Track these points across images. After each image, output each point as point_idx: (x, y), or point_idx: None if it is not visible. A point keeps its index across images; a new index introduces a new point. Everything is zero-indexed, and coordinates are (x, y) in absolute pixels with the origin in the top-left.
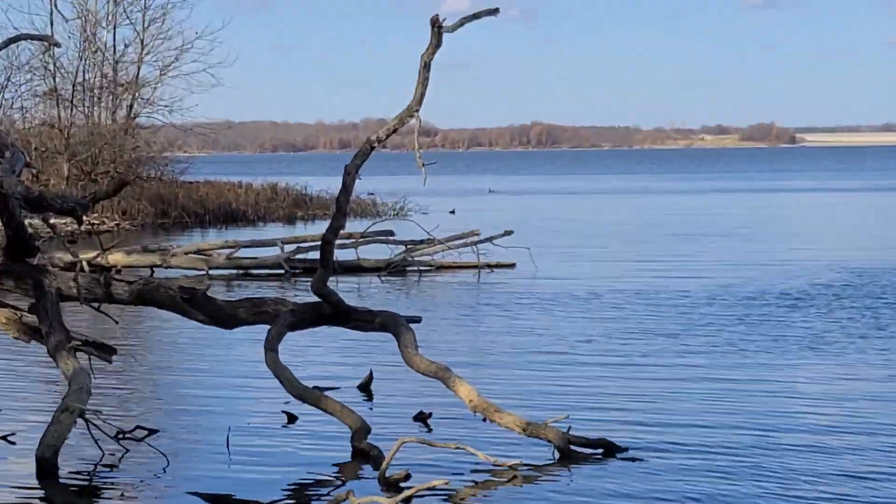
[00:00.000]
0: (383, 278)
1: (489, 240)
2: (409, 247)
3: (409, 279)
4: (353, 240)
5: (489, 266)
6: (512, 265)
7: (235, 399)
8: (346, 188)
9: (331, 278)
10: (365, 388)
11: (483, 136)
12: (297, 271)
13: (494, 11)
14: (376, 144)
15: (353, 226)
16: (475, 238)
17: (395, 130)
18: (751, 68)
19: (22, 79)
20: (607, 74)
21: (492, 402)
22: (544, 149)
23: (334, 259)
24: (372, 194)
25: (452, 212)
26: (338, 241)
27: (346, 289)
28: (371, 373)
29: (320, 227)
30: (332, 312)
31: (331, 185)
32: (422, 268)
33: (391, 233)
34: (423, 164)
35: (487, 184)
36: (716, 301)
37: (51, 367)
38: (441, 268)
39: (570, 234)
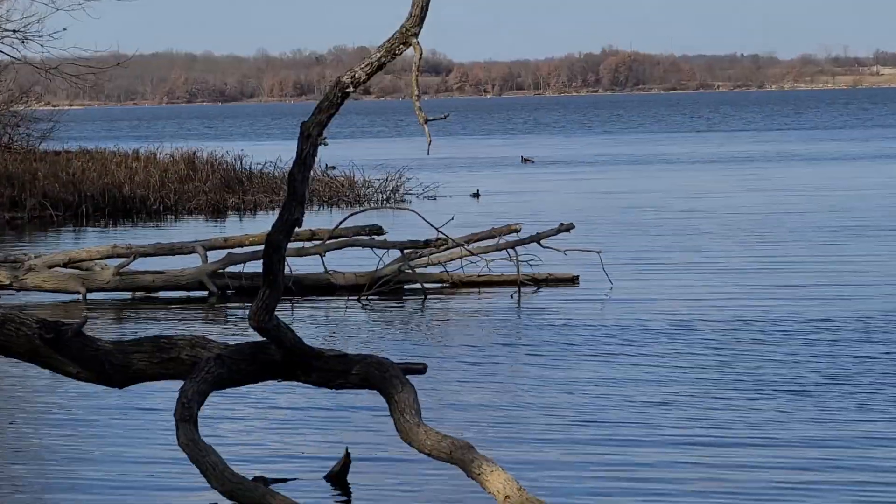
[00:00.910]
0: (366, 301)
1: (535, 239)
2: (406, 252)
3: (407, 303)
4: (319, 242)
5: (535, 281)
6: (572, 280)
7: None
8: (305, 159)
9: (282, 303)
10: (338, 476)
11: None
12: (229, 293)
13: None
14: (351, 89)
15: (318, 220)
16: (513, 237)
17: (381, 66)
18: None
19: None
20: None
21: (540, 500)
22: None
23: (287, 273)
24: (347, 169)
25: (476, 195)
26: (294, 245)
27: (309, 320)
28: (347, 453)
29: (264, 222)
30: (284, 359)
31: (281, 154)
32: (427, 284)
33: (379, 230)
34: (427, 121)
35: (525, 149)
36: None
37: None
38: (459, 284)
39: (664, 229)
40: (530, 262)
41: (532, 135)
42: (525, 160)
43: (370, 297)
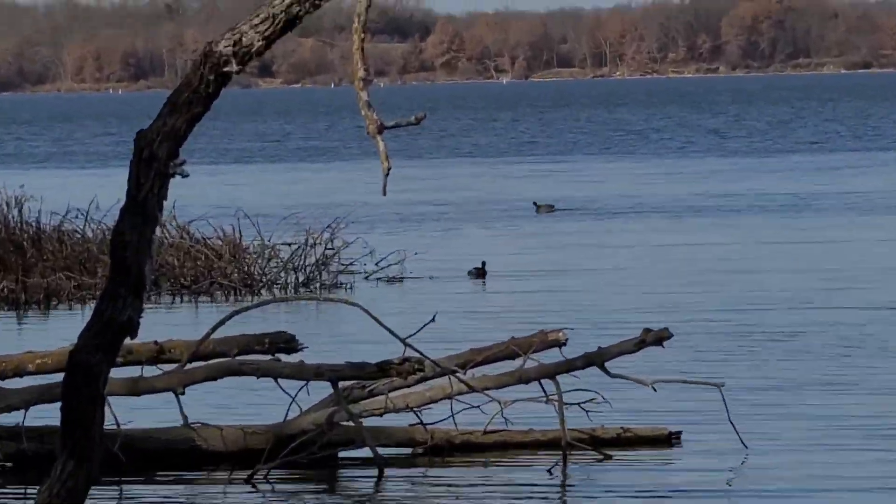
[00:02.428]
0: (265, 481)
1: (594, 360)
2: (345, 386)
3: (343, 483)
4: (174, 366)
5: (595, 442)
6: (667, 439)
7: None
8: (145, 204)
9: (102, 485)
10: None
11: (573, 36)
12: None
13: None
14: (234, 67)
15: (173, 323)
16: (552, 356)
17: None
18: None
19: None
20: None
21: None
22: (764, 71)
23: (110, 427)
24: (228, 223)
25: (479, 272)
26: (122, 373)
27: None
28: None
29: (65, 328)
30: None
31: (97, 193)
32: (384, 448)
33: (291, 343)
34: (384, 128)
35: (554, 186)
36: None
37: None
38: (446, 448)
39: (830, 337)
40: (584, 406)
41: (587, 156)
42: (540, 208)
43: (273, 473)
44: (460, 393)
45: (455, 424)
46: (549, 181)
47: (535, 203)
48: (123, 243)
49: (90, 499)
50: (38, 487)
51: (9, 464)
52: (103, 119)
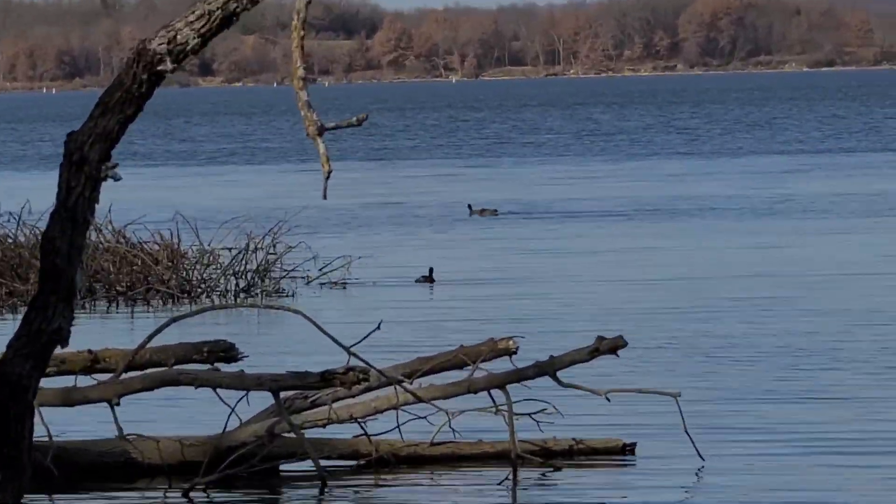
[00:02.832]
0: (204, 494)
1: (546, 369)
2: (286, 396)
3: (285, 497)
4: (109, 376)
5: (545, 454)
6: (622, 450)
7: None
8: (75, 208)
9: (32, 498)
10: None
11: (525, 33)
12: None
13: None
14: (169, 66)
15: (107, 332)
16: (501, 365)
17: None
18: None
19: None
20: None
21: None
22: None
23: (42, 439)
24: (165, 227)
25: (427, 278)
26: (53, 383)
27: None
28: None
29: None
30: None
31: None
32: (327, 461)
33: (230, 351)
34: (324, 130)
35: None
36: None
37: None
38: (390, 460)
39: (789, 346)
40: (535, 416)
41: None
42: (483, 212)
43: (212, 487)
44: (406, 403)
45: (401, 436)
46: (496, 184)
47: (469, 206)
48: (54, 249)
49: None
50: None
51: None
52: (37, 120)
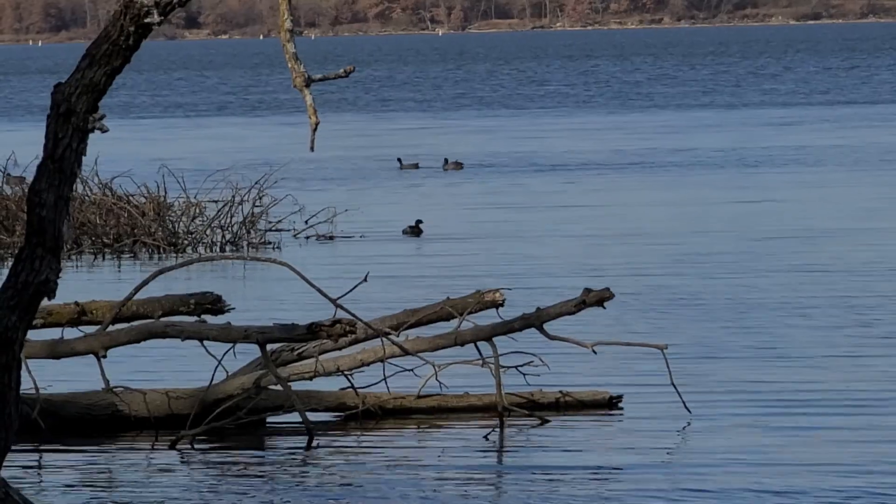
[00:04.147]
0: (191, 447)
1: (531, 322)
2: (272, 349)
3: (272, 452)
4: (96, 329)
5: (532, 407)
6: (608, 403)
7: None
8: (62, 160)
9: (18, 451)
10: None
11: None
12: None
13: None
14: (156, 18)
15: (94, 284)
16: (488, 318)
17: None
18: None
19: None
20: None
21: None
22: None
23: (28, 392)
24: (151, 179)
25: (414, 229)
26: (40, 335)
27: (71, 489)
28: None
29: None
30: None
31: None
32: (314, 413)
33: (216, 303)
34: (310, 81)
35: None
36: None
37: None
38: (377, 413)
39: (772, 294)
40: (521, 369)
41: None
42: (450, 165)
43: (199, 439)
44: (393, 356)
45: (388, 388)
46: (482, 137)
47: (399, 160)
48: (40, 202)
49: (7, 466)
50: None
51: None
52: (15, 74)
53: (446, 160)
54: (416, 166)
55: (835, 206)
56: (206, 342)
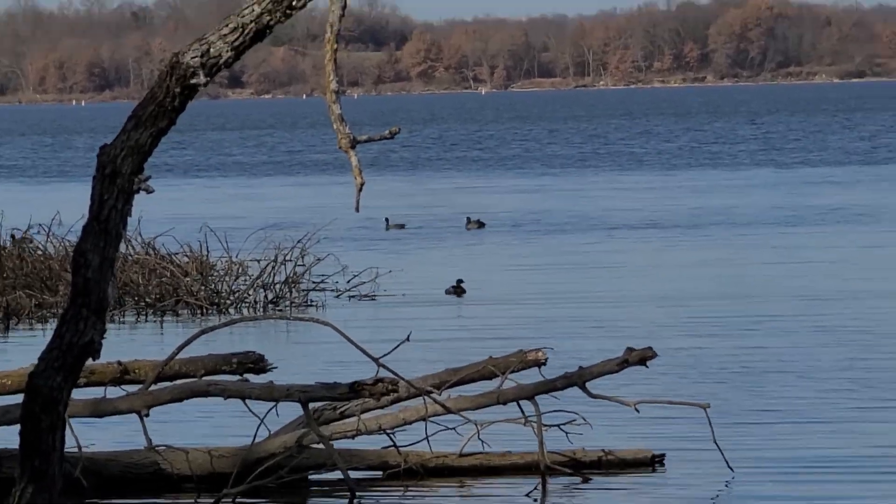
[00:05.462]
0: None
1: (574, 380)
2: (315, 407)
3: None
4: (139, 387)
5: (575, 465)
6: (650, 462)
7: None
8: (108, 221)
9: None
10: None
11: (555, 44)
12: None
13: None
14: (202, 80)
15: (137, 343)
16: (530, 377)
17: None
18: None
19: None
20: None
21: None
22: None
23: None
24: (194, 239)
25: (457, 289)
26: (83, 394)
27: None
28: None
29: (23, 349)
30: None
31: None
32: (356, 472)
33: (259, 363)
34: (356, 143)
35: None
36: None
37: None
38: (419, 471)
39: (834, 355)
40: (564, 427)
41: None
42: (472, 224)
43: (241, 498)
44: (435, 414)
45: (430, 447)
46: (532, 196)
47: (386, 220)
48: (86, 263)
49: None
50: None
51: None
52: (58, 134)
53: (468, 219)
54: (402, 226)
55: (889, 267)
56: (248, 401)
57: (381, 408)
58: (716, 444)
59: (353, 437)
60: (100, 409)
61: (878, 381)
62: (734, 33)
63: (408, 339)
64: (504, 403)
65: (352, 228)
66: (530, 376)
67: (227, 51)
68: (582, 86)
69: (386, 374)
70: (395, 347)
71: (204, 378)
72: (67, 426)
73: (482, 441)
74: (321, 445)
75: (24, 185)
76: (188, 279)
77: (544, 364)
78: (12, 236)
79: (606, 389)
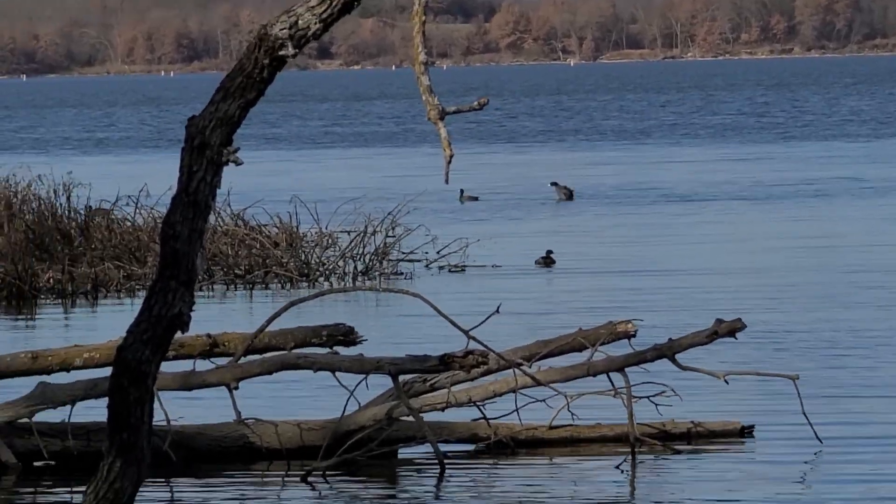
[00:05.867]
0: (323, 479)
1: (664, 352)
2: (405, 380)
3: (405, 481)
4: (228, 360)
5: (665, 437)
6: (740, 432)
7: None
8: (196, 193)
9: (151, 482)
10: None
11: (643, 17)
12: (40, 465)
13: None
14: (290, 51)
15: (226, 315)
16: (620, 349)
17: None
18: None
19: None
20: None
21: None
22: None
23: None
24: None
25: (546, 260)
26: (172, 367)
27: None
28: None
29: (112, 321)
30: None
31: (147, 181)
32: (446, 444)
33: (349, 335)
34: (445, 114)
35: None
36: None
37: None
38: (509, 444)
39: None
40: (653, 399)
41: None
42: (561, 193)
43: (330, 471)
44: (525, 386)
45: (520, 419)
46: (617, 167)
47: (461, 191)
48: (174, 234)
49: (138, 499)
50: (84, 488)
51: (53, 462)
52: (145, 103)
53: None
54: (475, 199)
55: None
56: (338, 373)
57: (471, 380)
58: (805, 415)
59: (442, 409)
60: (189, 382)
61: None
62: (820, 5)
63: (497, 311)
64: (594, 375)
65: (429, 201)
66: (620, 348)
67: (316, 23)
68: (670, 57)
69: (476, 347)
70: (485, 319)
71: (293, 350)
72: (156, 399)
73: (572, 413)
74: (411, 418)
75: (114, 156)
76: (278, 250)
77: (634, 336)
78: (88, 208)
79: (696, 361)
